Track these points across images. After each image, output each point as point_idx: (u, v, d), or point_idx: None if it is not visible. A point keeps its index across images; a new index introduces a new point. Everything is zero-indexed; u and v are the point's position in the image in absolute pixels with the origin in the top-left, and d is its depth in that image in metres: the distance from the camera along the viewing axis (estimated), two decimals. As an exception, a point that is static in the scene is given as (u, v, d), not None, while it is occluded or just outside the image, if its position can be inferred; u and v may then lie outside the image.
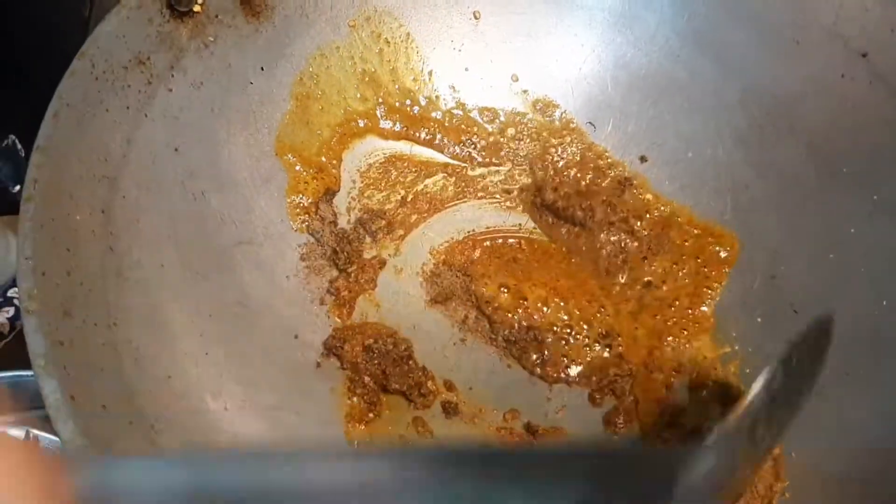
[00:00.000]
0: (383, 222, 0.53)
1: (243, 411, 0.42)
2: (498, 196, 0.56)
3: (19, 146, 0.58)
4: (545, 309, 0.52)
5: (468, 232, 0.55)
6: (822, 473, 0.44)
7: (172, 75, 0.45)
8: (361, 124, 0.54)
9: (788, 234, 0.50)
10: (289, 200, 0.51)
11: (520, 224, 0.56)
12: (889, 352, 0.45)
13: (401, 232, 0.54)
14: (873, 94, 0.47)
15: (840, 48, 0.48)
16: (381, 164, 0.55)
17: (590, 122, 0.56)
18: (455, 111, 0.56)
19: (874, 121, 0.47)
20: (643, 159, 0.55)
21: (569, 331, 0.51)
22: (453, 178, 0.56)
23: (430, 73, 0.55)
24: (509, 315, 0.51)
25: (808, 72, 0.50)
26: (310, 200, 0.51)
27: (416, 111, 0.55)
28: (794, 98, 0.50)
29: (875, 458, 0.42)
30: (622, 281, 0.53)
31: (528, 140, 0.56)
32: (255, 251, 0.48)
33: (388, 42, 0.53)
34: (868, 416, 0.44)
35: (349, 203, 0.54)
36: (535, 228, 0.55)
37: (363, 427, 0.47)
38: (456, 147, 0.56)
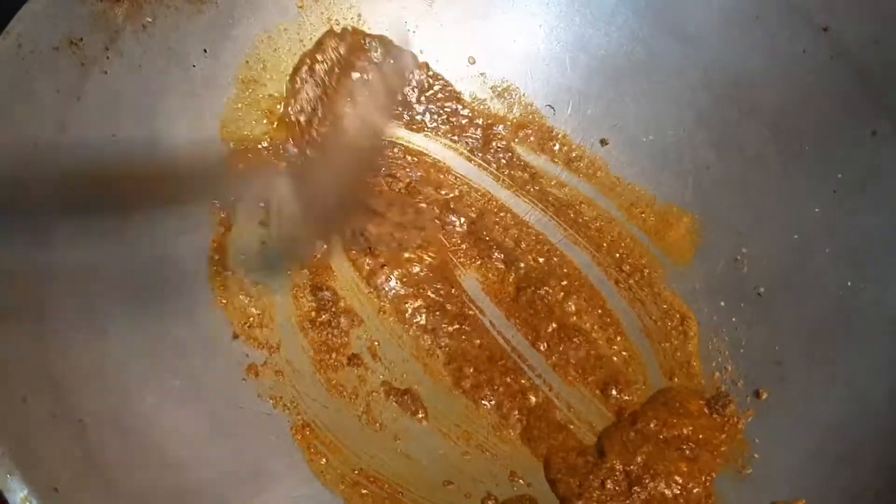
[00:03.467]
0: None
1: (182, 406, 0.41)
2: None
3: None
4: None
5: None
6: (787, 457, 0.43)
7: (108, 57, 0.43)
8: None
9: (751, 215, 0.49)
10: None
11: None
12: (854, 334, 0.44)
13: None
14: (835, 69, 0.46)
15: (801, 22, 0.47)
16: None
17: (549, 105, 0.54)
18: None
19: (837, 97, 0.46)
20: (604, 142, 0.53)
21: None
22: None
23: (383, 56, 0.53)
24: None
25: (769, 48, 0.48)
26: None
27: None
28: (755, 76, 0.49)
29: (840, 442, 0.41)
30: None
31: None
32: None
33: (339, 24, 0.51)
34: (834, 400, 0.43)
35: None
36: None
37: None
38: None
